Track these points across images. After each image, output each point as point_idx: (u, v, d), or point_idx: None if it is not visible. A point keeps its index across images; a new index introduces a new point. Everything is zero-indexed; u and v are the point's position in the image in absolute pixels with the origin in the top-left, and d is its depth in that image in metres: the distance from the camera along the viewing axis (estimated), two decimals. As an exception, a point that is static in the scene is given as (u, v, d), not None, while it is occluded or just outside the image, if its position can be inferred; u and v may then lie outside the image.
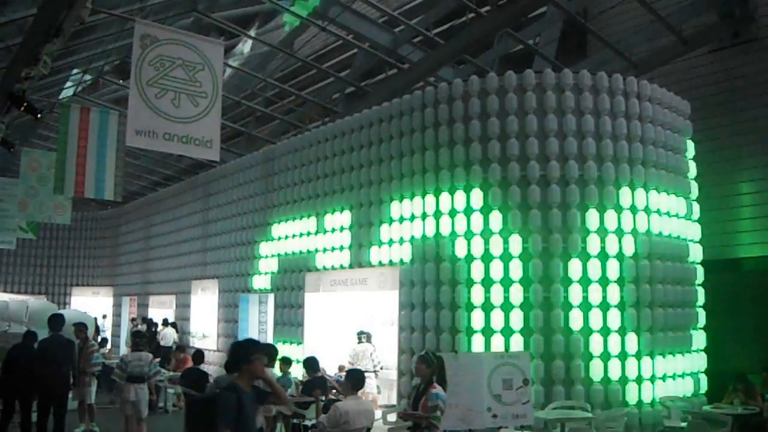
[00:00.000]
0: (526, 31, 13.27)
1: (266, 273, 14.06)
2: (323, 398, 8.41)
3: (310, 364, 9.04)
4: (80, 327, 10.07)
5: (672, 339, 9.66)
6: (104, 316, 22.80)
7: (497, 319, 9.10)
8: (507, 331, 9.06)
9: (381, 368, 10.80)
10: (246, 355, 4.26)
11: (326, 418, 5.69)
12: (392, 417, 8.43)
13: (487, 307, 9.21)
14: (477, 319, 9.23)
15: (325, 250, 12.25)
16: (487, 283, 9.26)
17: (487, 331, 9.17)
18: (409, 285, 10.26)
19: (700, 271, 10.62)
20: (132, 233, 22.69)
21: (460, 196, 9.63)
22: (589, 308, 9.05)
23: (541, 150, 9.37)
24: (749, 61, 12.07)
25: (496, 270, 9.20)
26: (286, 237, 13.45)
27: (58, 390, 8.12)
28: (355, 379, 5.98)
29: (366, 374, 10.43)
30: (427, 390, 5.60)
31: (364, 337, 10.82)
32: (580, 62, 12.85)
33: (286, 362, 9.87)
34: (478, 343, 9.18)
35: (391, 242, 10.76)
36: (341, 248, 11.84)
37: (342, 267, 11.80)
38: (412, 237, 10.28)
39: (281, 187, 13.81)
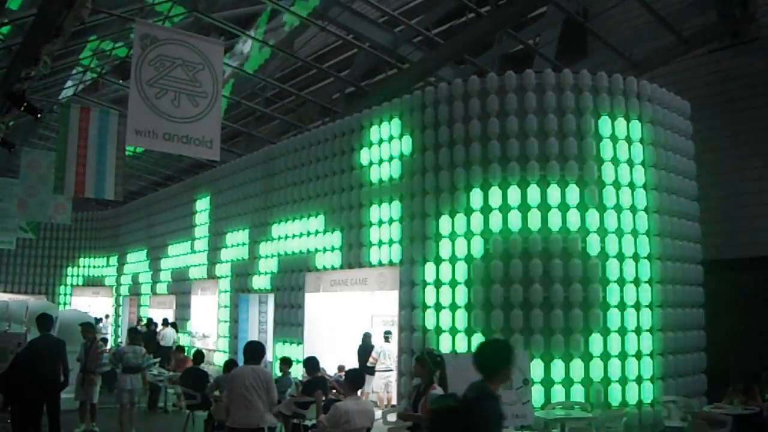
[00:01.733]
0: (526, 31, 13.28)
1: (266, 273, 14.07)
2: (323, 399, 8.42)
3: (310, 364, 9.05)
4: (87, 327, 10.09)
5: (673, 339, 9.68)
6: (107, 316, 22.82)
7: (497, 318, 9.10)
8: (508, 332, 9.06)
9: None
10: (508, 358, 3.85)
11: (326, 418, 5.69)
12: (392, 417, 8.43)
13: (488, 307, 9.21)
14: (477, 318, 9.24)
15: (325, 250, 12.25)
16: (487, 283, 9.26)
17: (488, 332, 9.16)
18: (409, 285, 10.27)
19: (701, 271, 10.62)
20: (132, 233, 22.69)
21: (460, 195, 9.63)
22: (590, 308, 9.05)
23: (541, 150, 9.37)
24: (749, 61, 12.07)
25: (496, 270, 9.20)
26: (286, 237, 13.45)
27: (47, 389, 8.06)
28: (354, 379, 5.97)
29: (387, 372, 10.99)
30: (427, 391, 5.60)
31: (390, 336, 10.99)
32: (580, 62, 12.84)
33: (286, 362, 9.89)
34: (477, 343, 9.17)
35: (391, 242, 10.76)
36: (341, 248, 11.84)
37: (341, 267, 11.80)
38: (411, 237, 10.29)
39: (281, 187, 13.81)
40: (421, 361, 5.75)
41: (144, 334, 16.72)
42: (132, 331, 11.54)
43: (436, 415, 3.79)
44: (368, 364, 11.13)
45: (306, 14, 12.16)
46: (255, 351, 6.45)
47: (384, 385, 11.27)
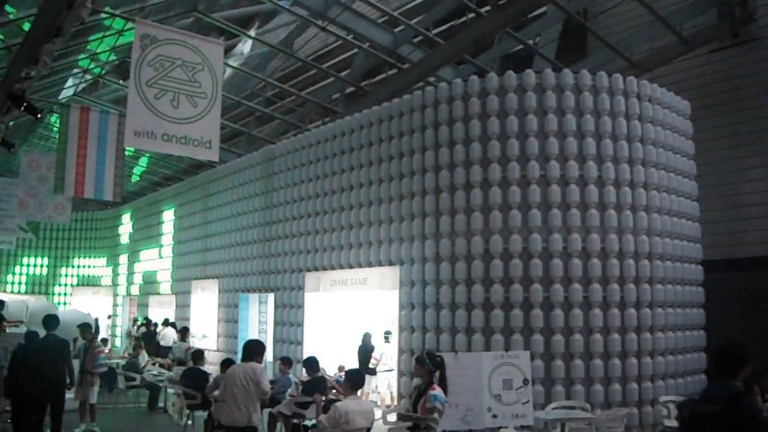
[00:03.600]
0: (526, 31, 13.27)
1: (264, 273, 14.06)
2: (323, 399, 8.42)
3: (310, 364, 9.06)
4: (85, 328, 10.11)
5: (672, 339, 9.68)
6: (109, 317, 22.83)
7: (497, 318, 9.10)
8: (507, 331, 9.06)
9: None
10: (748, 356, 3.67)
11: (326, 418, 5.68)
12: (392, 417, 8.43)
13: (488, 307, 9.21)
14: (477, 318, 9.24)
15: (325, 249, 12.24)
16: (487, 283, 9.26)
17: (488, 332, 9.17)
18: (409, 285, 10.27)
19: (701, 271, 10.62)
20: (132, 233, 22.69)
21: (459, 195, 9.63)
22: (591, 307, 9.05)
23: (541, 150, 9.36)
24: (749, 61, 12.07)
25: (496, 269, 9.19)
26: (286, 236, 13.45)
27: (52, 390, 8.11)
28: (354, 379, 5.97)
29: (389, 372, 10.99)
30: (427, 391, 5.60)
31: (390, 336, 11.00)
32: (580, 62, 12.85)
33: (286, 362, 9.89)
34: (478, 343, 9.18)
35: (391, 242, 10.76)
36: (341, 248, 11.83)
37: (341, 267, 11.80)
38: (412, 236, 10.28)
39: (281, 186, 13.81)
40: (421, 362, 5.76)
41: (143, 335, 16.77)
42: (184, 330, 14.88)
43: (696, 420, 3.61)
44: (370, 366, 11.15)
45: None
46: (249, 349, 6.52)
47: (386, 385, 11.30)
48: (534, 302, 9.03)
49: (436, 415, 5.49)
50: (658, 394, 9.27)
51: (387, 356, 11.18)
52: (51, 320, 8.40)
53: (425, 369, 5.68)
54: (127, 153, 15.74)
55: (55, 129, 16.41)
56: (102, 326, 19.39)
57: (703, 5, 11.96)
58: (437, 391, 5.56)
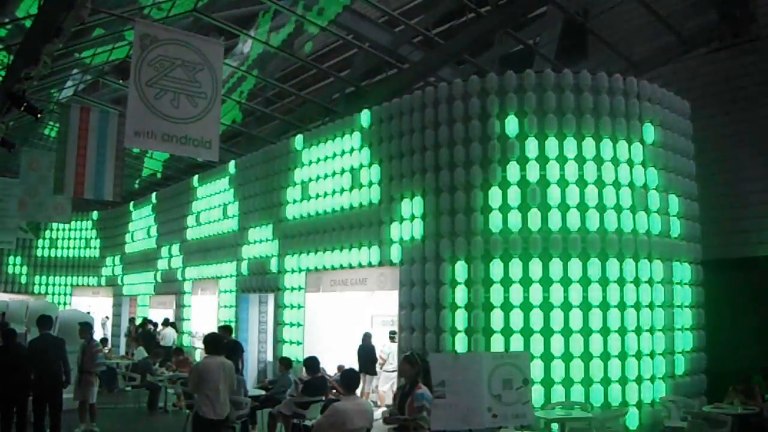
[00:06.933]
0: (526, 31, 13.29)
1: (264, 273, 14.06)
2: (323, 399, 8.43)
3: (310, 364, 9.06)
4: (84, 327, 10.13)
5: (673, 339, 9.67)
6: (107, 318, 22.79)
7: (497, 319, 9.10)
8: (507, 331, 9.06)
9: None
10: None
11: (324, 418, 5.67)
12: (392, 417, 8.43)
13: (488, 306, 9.21)
14: (476, 318, 9.23)
15: (325, 250, 12.24)
16: (486, 283, 9.25)
17: (487, 331, 9.16)
18: (408, 285, 10.26)
19: (701, 271, 10.61)
20: (132, 233, 22.67)
21: (459, 195, 9.63)
22: (590, 308, 9.05)
23: (541, 150, 9.36)
24: (749, 61, 12.05)
25: (496, 271, 9.19)
26: (286, 236, 13.44)
27: (49, 388, 8.18)
28: (349, 379, 5.96)
29: (394, 373, 10.91)
30: (413, 391, 5.59)
31: (396, 337, 10.98)
32: (580, 62, 12.84)
33: (286, 362, 9.90)
34: (477, 343, 9.17)
35: (391, 242, 10.76)
36: (341, 248, 11.83)
37: (341, 267, 11.80)
38: (412, 237, 10.28)
39: (281, 186, 13.80)
40: (411, 361, 5.75)
41: (143, 334, 16.75)
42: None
43: None
44: (377, 365, 11.15)
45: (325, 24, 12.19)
46: (223, 345, 6.71)
47: (390, 385, 11.27)
48: (534, 302, 9.02)
49: (425, 414, 5.49)
50: (658, 394, 9.27)
51: (393, 356, 11.16)
52: (45, 320, 8.53)
53: (415, 369, 5.68)
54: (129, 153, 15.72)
55: (55, 129, 16.41)
56: (97, 328, 19.32)
57: (703, 5, 11.96)
58: (423, 390, 5.56)
